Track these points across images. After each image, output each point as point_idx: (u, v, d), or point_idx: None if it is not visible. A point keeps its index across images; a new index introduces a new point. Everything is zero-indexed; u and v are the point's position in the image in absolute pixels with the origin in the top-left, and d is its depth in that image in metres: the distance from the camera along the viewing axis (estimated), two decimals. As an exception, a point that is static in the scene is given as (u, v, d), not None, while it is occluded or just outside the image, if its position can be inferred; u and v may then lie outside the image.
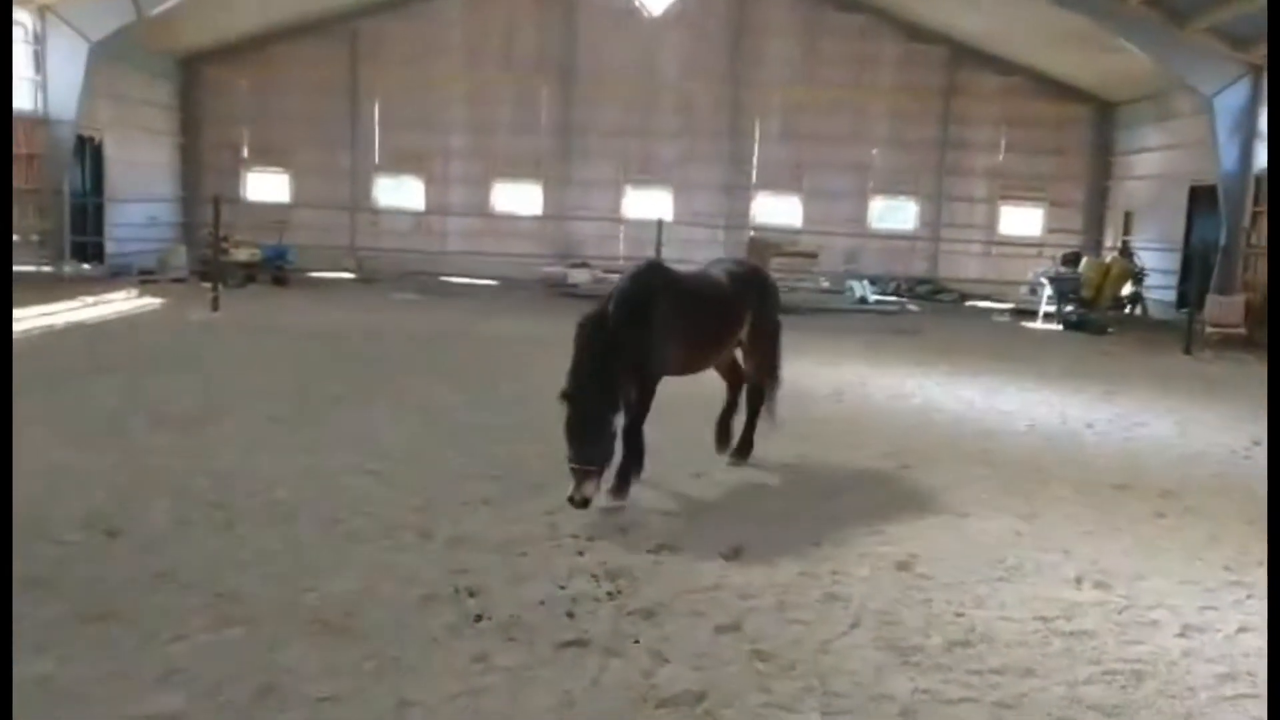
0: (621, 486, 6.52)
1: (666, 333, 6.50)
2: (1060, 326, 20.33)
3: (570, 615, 4.70)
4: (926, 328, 18.58)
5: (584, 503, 5.92)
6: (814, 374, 12.36)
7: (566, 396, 6.02)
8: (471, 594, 4.89)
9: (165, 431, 8.04)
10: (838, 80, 27.51)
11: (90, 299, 16.95)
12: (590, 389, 5.98)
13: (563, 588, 5.03)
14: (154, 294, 18.41)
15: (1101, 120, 27.44)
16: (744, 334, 7.43)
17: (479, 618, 4.62)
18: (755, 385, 7.71)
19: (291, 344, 13.03)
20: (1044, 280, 21.47)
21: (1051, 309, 20.97)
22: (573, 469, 5.94)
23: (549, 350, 12.36)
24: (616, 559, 5.47)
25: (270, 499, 6.35)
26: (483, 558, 5.46)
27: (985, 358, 14.46)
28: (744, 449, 7.70)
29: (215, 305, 15.57)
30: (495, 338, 14.42)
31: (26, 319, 13.79)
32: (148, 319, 15.45)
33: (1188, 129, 21.72)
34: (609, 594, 4.98)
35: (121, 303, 17.27)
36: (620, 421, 6.23)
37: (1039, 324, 20.79)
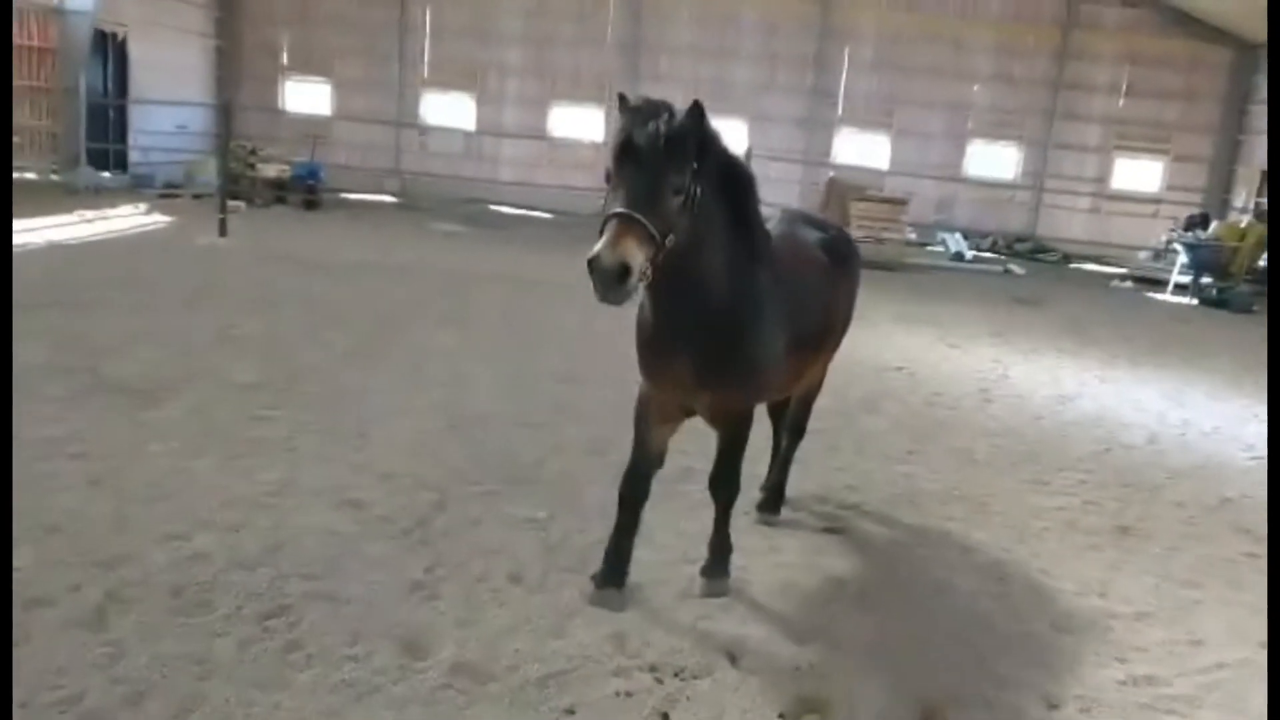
0: (721, 568, 4.29)
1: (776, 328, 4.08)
2: (1194, 301, 17.55)
3: None
4: (1046, 296, 15.92)
5: (619, 275, 3.23)
6: (943, 358, 9.95)
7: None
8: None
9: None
10: (939, 6, 24.43)
11: (91, 214, 14.90)
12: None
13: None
14: (167, 211, 16.33)
15: (1240, 63, 23.97)
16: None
17: None
18: (806, 400, 5.22)
19: (294, 282, 10.85)
20: (1179, 246, 18.60)
21: (1184, 280, 18.15)
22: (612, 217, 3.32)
23: (599, 308, 10.53)
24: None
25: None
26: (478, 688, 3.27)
27: (1135, 342, 11.88)
28: (778, 497, 5.25)
29: (223, 229, 13.42)
30: (546, 284, 12.13)
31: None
32: (142, 242, 13.36)
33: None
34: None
35: (124, 219, 15.22)
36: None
37: (1168, 296, 18.03)
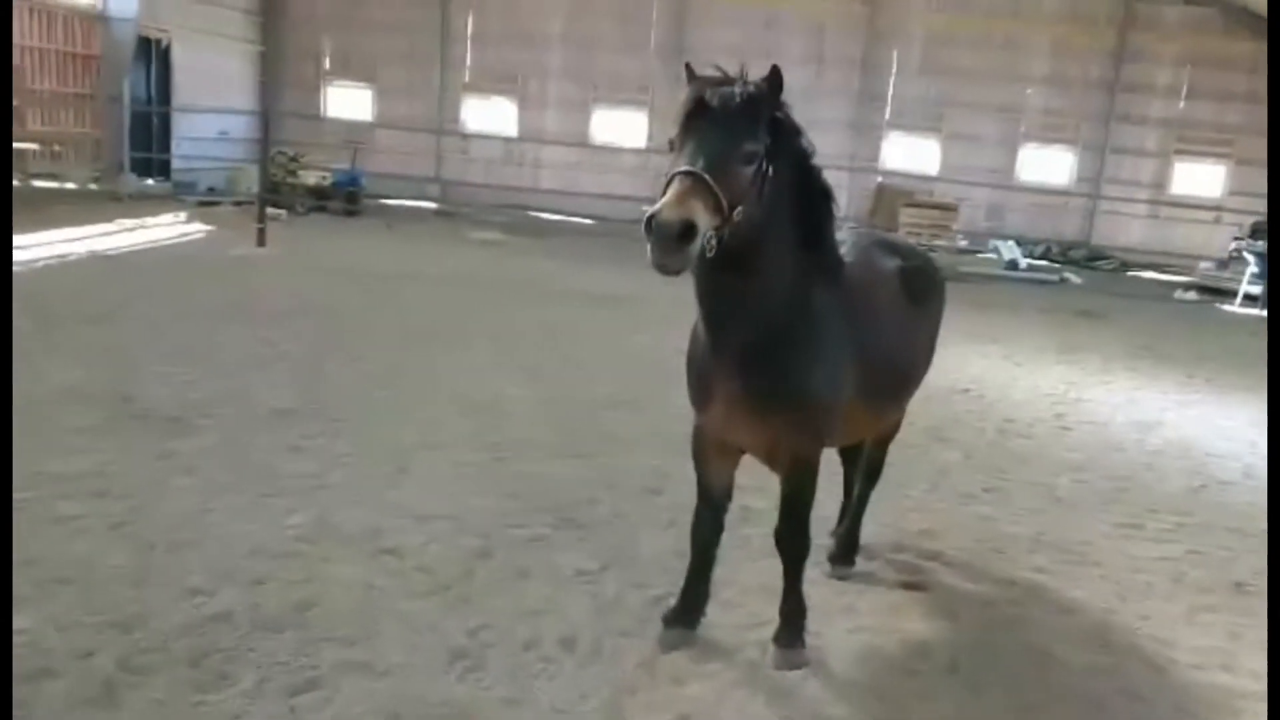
0: (795, 635, 3.83)
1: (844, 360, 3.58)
2: (1265, 313, 16.74)
3: None
4: (1109, 309, 15.24)
5: (681, 233, 2.82)
6: (1011, 379, 9.40)
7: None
8: None
9: None
10: (991, 6, 23.74)
11: (131, 222, 14.76)
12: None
13: None
14: (207, 220, 16.16)
15: (1308, 64, 23.08)
16: None
17: None
18: (882, 440, 4.67)
19: (330, 295, 10.55)
20: (1250, 255, 17.80)
21: (1255, 290, 17.36)
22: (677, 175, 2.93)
23: (651, 323, 10.37)
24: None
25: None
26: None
27: (1212, 361, 11.22)
28: (851, 546, 4.71)
29: (261, 239, 13.19)
30: (590, 297, 11.75)
31: (36, 245, 11.59)
32: (181, 252, 13.16)
33: None
34: None
35: (165, 228, 15.08)
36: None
37: (1237, 307, 17.25)
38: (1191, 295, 18.65)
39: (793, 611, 3.83)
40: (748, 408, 3.41)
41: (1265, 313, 16.72)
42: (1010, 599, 4.58)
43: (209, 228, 15.36)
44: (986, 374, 9.45)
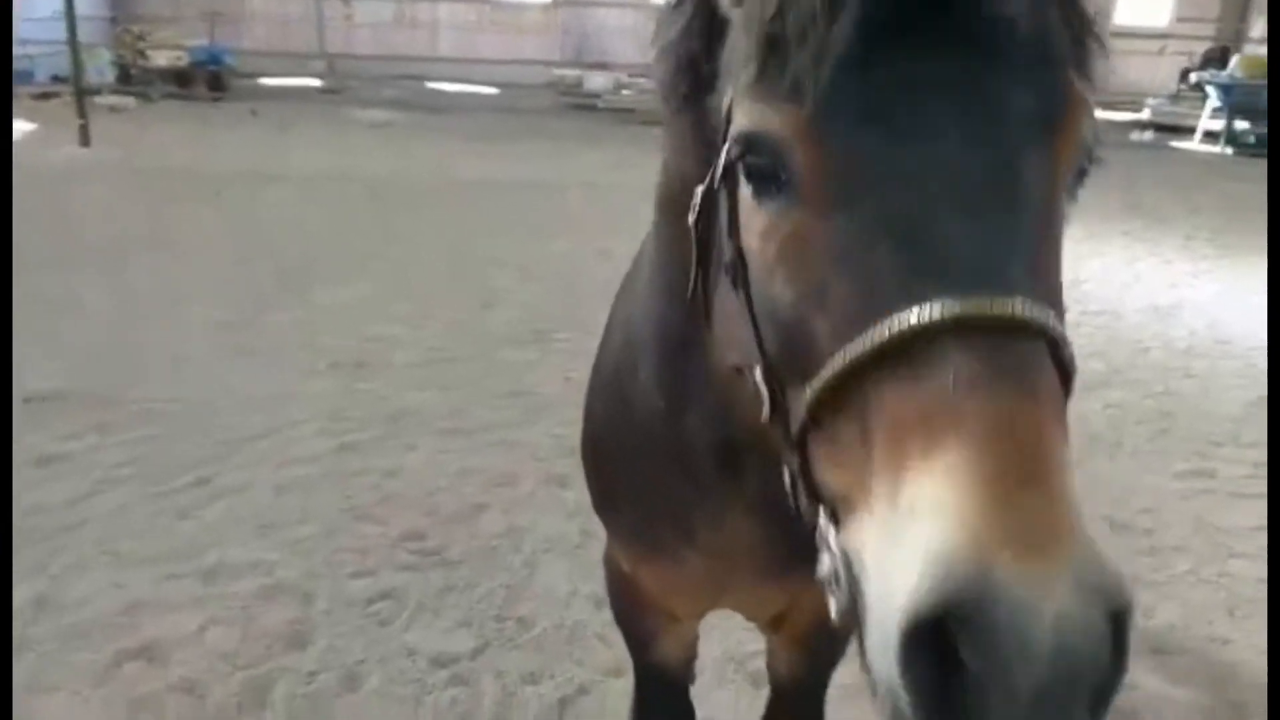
0: None
1: None
2: (1228, 150, 15.55)
3: None
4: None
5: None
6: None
7: None
8: None
9: None
10: None
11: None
12: None
13: None
14: (32, 116, 13.68)
15: None
16: None
17: None
18: None
19: (163, 214, 8.56)
20: (1212, 88, 16.45)
21: (1217, 126, 16.09)
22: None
23: (567, 223, 8.22)
24: None
25: None
26: None
27: (1204, 213, 9.91)
28: None
29: (84, 137, 10.94)
30: (492, 188, 9.93)
31: None
32: (-8, 159, 10.87)
33: None
34: None
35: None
36: None
37: (1197, 145, 16.01)
38: (1149, 135, 17.34)
39: None
40: (771, 555, 1.45)
41: (1228, 149, 15.52)
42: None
43: (31, 126, 12.92)
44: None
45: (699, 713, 2.46)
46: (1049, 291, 0.83)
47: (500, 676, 2.80)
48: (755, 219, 0.91)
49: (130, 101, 15.31)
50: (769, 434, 0.96)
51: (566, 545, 3.46)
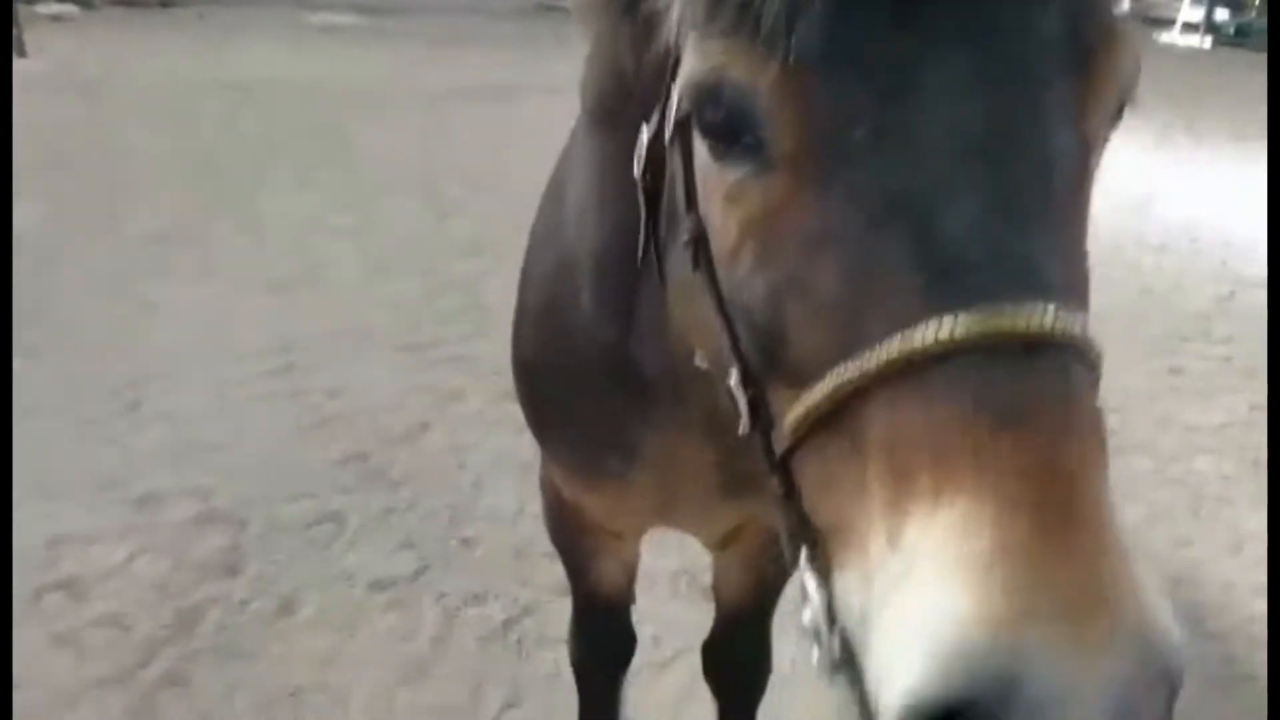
0: None
1: None
2: (1209, 40, 15.23)
3: None
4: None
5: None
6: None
7: None
8: None
9: None
10: None
11: None
12: None
13: None
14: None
15: None
16: None
17: None
18: None
19: (102, 125, 8.19)
20: (1192, -24, 16.05)
21: (1196, 18, 15.73)
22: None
23: (529, 129, 8.31)
24: None
25: None
26: None
27: (1183, 106, 9.67)
28: None
29: (20, 47, 10.42)
30: (458, 98, 9.57)
31: None
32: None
33: None
34: None
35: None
36: None
37: (1176, 36, 15.64)
38: (1128, 27, 16.94)
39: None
40: (721, 480, 1.34)
41: (1209, 40, 15.19)
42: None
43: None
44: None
45: (651, 626, 2.40)
46: (1081, 283, 0.69)
47: (441, 599, 2.71)
48: (716, 184, 0.73)
49: (73, 9, 14.61)
50: (748, 447, 0.78)
51: (515, 462, 3.32)
